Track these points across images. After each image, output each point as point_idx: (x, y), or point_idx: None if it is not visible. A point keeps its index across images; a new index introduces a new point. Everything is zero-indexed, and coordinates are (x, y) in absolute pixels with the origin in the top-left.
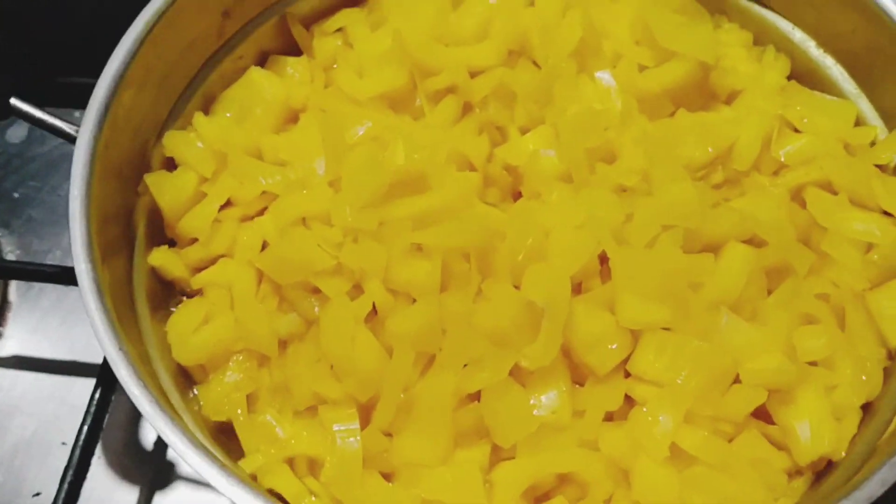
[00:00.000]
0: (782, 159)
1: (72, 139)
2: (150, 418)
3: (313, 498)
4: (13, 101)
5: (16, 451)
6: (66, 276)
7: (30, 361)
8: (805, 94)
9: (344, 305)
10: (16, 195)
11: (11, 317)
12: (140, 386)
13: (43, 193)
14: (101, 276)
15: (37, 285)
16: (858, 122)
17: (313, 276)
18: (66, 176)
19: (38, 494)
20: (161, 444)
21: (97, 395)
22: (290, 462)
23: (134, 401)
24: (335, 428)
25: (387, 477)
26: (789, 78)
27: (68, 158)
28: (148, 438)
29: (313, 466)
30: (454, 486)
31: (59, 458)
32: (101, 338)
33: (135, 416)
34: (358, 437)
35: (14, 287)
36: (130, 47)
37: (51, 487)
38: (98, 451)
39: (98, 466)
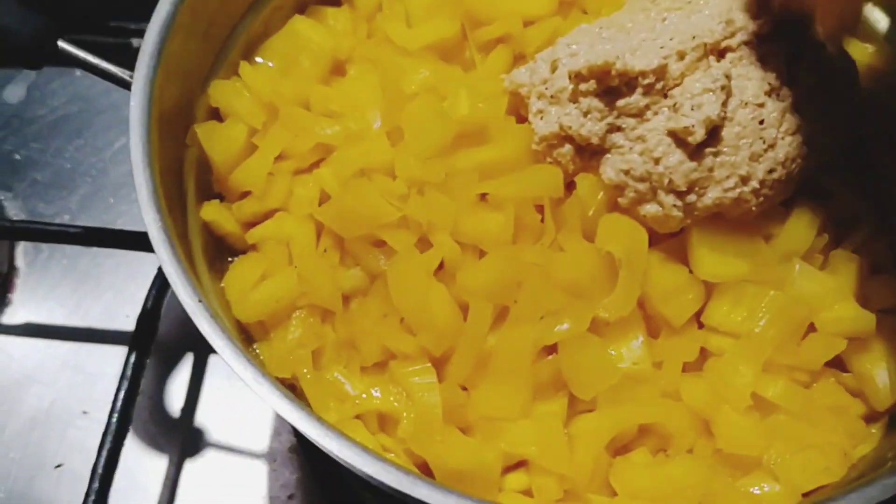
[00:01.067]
0: None
1: (126, 84)
2: (237, 368)
3: (389, 455)
4: (62, 44)
5: (34, 422)
6: (90, 237)
7: (42, 329)
8: None
9: (414, 258)
10: (17, 157)
11: (20, 283)
12: (224, 337)
13: (47, 156)
14: (170, 226)
15: (45, 250)
16: None
17: (378, 229)
18: (71, 138)
19: (59, 466)
20: (188, 411)
21: (132, 359)
22: (361, 419)
23: (220, 352)
24: (414, 381)
25: (464, 431)
26: None
27: (70, 120)
28: (174, 406)
29: (384, 423)
30: (536, 438)
31: (81, 428)
32: (179, 289)
33: (160, 383)
34: (437, 391)
35: (21, 252)
36: None
37: (73, 458)
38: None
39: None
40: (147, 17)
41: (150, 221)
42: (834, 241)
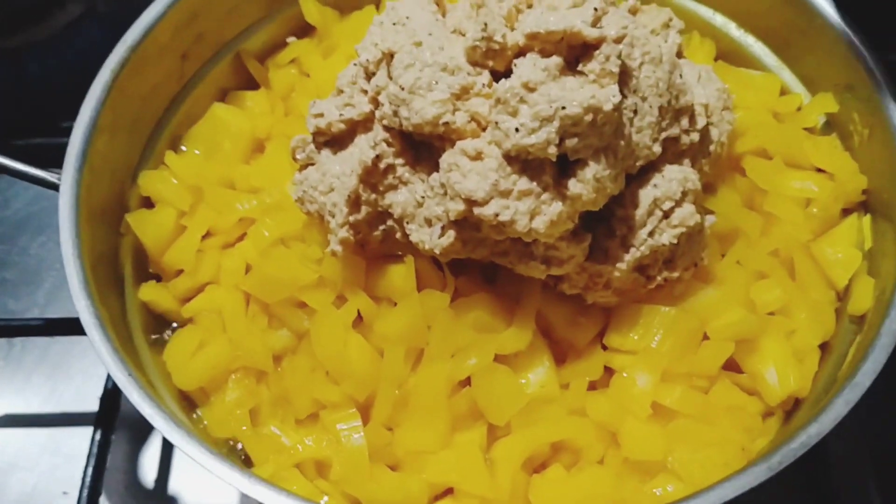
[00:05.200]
0: None
1: (55, 186)
2: (167, 433)
3: (326, 498)
4: None
5: None
6: (52, 328)
7: (21, 419)
8: (732, 72)
9: (332, 315)
10: None
11: None
12: (154, 406)
13: (13, 255)
14: (101, 311)
15: (18, 344)
16: (783, 92)
17: (298, 291)
18: (34, 235)
19: None
20: (162, 481)
21: (97, 437)
22: (299, 467)
23: (150, 420)
24: (339, 427)
25: (393, 468)
26: (716, 59)
27: (35, 217)
28: (148, 477)
29: (321, 469)
30: (457, 467)
31: None
32: (110, 366)
33: (133, 457)
34: (361, 434)
35: None
36: (100, 95)
37: None
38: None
39: None
40: None
41: (81, 309)
42: (719, 252)
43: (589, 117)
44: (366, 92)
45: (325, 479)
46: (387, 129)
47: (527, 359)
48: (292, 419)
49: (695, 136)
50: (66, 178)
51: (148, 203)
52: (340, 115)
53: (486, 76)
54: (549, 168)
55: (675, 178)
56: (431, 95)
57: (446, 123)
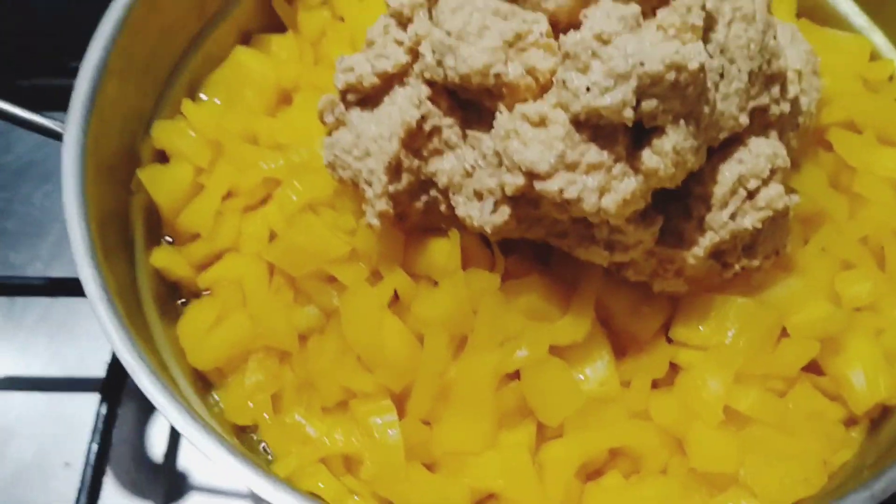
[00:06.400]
0: None
1: (58, 136)
2: (180, 427)
3: (355, 497)
4: None
5: (16, 476)
6: (55, 288)
7: (20, 381)
8: (816, 31)
9: (366, 293)
10: None
11: None
12: (165, 394)
13: (14, 204)
14: (108, 280)
15: (19, 301)
16: (874, 57)
17: (328, 264)
18: (39, 183)
19: None
20: (171, 456)
21: (103, 411)
22: (325, 462)
23: (162, 411)
24: (372, 421)
25: (429, 468)
26: (798, 16)
27: (39, 164)
28: (156, 451)
29: (350, 464)
30: (503, 471)
31: (63, 480)
32: (117, 346)
33: (140, 429)
34: (397, 429)
35: None
36: (110, 33)
37: None
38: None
39: (108, 484)
40: None
41: (85, 278)
42: (801, 238)
43: (671, 76)
44: (401, 43)
45: (353, 475)
46: (430, 83)
47: (584, 351)
48: (318, 407)
49: (785, 107)
50: (71, 126)
51: (162, 157)
52: (373, 66)
53: (544, 23)
54: (622, 136)
55: (763, 153)
56: (482, 42)
57: (498, 75)
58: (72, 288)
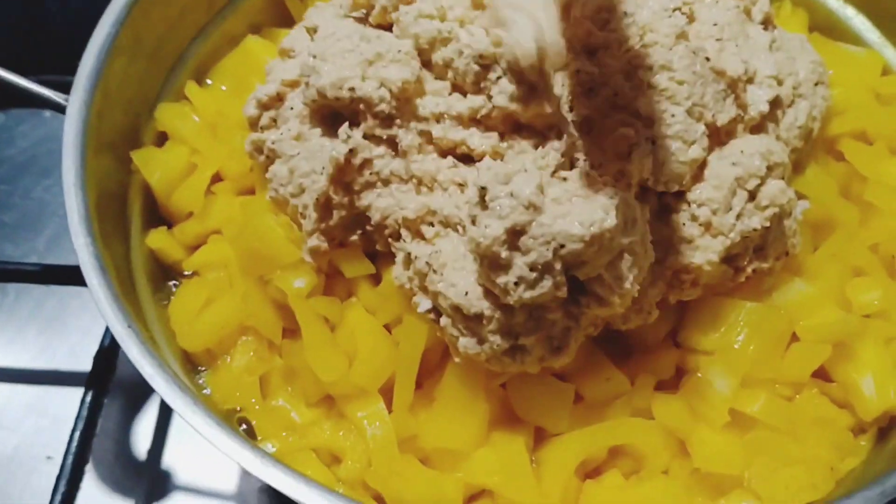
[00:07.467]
0: None
1: (61, 108)
2: (168, 398)
3: (341, 487)
4: None
5: None
6: (48, 275)
7: (8, 373)
8: (829, 45)
9: (316, 326)
10: None
11: None
12: (155, 364)
13: (14, 197)
14: (103, 254)
15: (12, 292)
16: (886, 72)
17: (278, 270)
18: (39, 178)
19: None
20: (155, 453)
21: (88, 399)
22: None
23: (150, 381)
24: (360, 415)
25: (423, 461)
26: (810, 31)
27: (41, 158)
28: (140, 448)
29: (337, 458)
30: (499, 467)
31: (45, 474)
32: (108, 315)
33: (125, 425)
34: (387, 421)
35: None
36: (119, 13)
37: None
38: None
39: (89, 480)
40: None
41: (79, 247)
42: (811, 244)
43: (594, 248)
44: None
45: (341, 465)
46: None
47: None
48: (304, 397)
49: (763, 107)
50: (75, 99)
51: (164, 140)
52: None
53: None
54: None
55: (755, 151)
56: (343, 62)
57: (352, 88)
58: (65, 276)
